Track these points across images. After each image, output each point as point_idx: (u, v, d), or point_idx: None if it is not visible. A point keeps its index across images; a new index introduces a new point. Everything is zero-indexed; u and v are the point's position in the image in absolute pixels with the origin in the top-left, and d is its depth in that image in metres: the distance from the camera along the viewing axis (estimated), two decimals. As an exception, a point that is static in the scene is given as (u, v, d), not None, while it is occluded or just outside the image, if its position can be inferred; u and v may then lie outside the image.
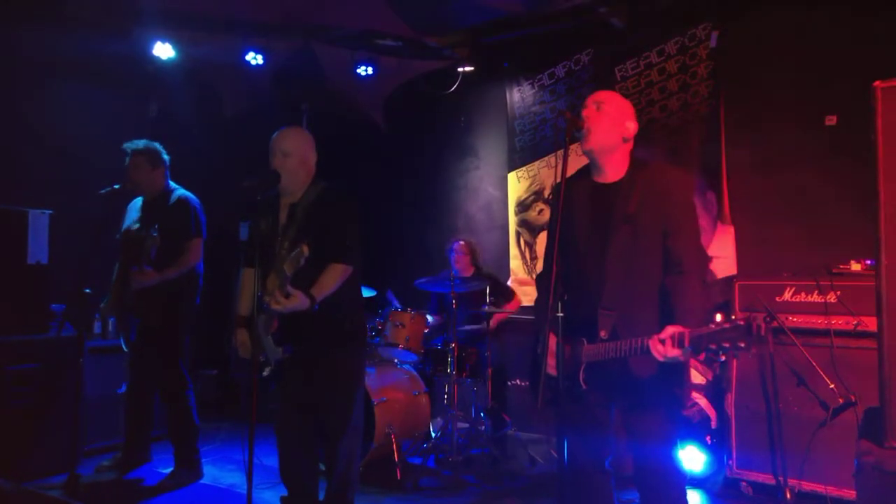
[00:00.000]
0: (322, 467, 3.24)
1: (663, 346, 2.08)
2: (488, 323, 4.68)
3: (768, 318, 3.71)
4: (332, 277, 2.91)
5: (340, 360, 3.03)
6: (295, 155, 3.00)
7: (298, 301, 2.79)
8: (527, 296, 5.41)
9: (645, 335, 2.15)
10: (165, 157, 4.04)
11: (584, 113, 2.38)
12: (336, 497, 3.06)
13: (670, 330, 2.08)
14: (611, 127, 2.37)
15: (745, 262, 4.55)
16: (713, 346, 1.96)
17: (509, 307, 4.96)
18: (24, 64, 4.81)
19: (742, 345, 1.90)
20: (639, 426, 2.33)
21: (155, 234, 3.68)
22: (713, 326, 1.97)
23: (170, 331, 3.93)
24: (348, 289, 3.01)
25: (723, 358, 3.45)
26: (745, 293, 3.88)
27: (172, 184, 4.09)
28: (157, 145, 4.03)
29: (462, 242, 5.16)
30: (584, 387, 2.31)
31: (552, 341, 2.26)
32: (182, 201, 3.99)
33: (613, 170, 2.41)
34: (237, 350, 3.09)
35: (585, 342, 2.32)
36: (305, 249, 2.68)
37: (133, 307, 3.85)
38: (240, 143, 5.78)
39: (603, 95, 2.43)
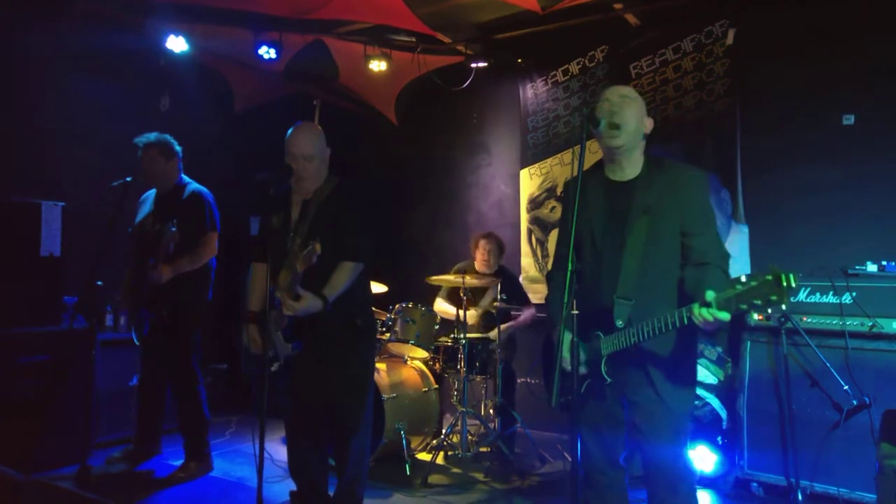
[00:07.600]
0: (332, 462, 3.23)
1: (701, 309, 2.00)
2: (499, 319, 4.64)
3: (782, 318, 3.68)
4: (344, 276, 2.90)
5: (351, 357, 3.02)
6: (318, 157, 2.95)
7: (309, 303, 2.77)
8: (537, 294, 5.39)
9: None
10: (178, 148, 4.05)
11: (612, 108, 2.31)
12: (345, 493, 3.06)
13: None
14: (638, 122, 2.35)
15: (759, 261, 4.51)
16: (745, 307, 1.91)
17: (525, 308, 4.83)
18: (37, 58, 4.82)
19: (774, 298, 1.84)
20: (650, 424, 2.31)
21: (174, 230, 3.68)
22: (740, 287, 1.92)
23: (183, 325, 3.94)
24: (359, 285, 3.00)
25: (760, 318, 3.66)
26: (759, 293, 3.83)
27: (185, 177, 4.10)
28: (169, 137, 4.03)
29: (493, 236, 4.95)
30: (607, 380, 2.29)
31: (567, 338, 2.23)
32: (196, 195, 3.99)
33: (631, 167, 2.39)
34: (248, 346, 3.06)
35: (602, 335, 2.31)
36: (318, 248, 2.66)
37: (147, 301, 3.87)
38: (252, 138, 5.78)
39: (625, 90, 2.40)
